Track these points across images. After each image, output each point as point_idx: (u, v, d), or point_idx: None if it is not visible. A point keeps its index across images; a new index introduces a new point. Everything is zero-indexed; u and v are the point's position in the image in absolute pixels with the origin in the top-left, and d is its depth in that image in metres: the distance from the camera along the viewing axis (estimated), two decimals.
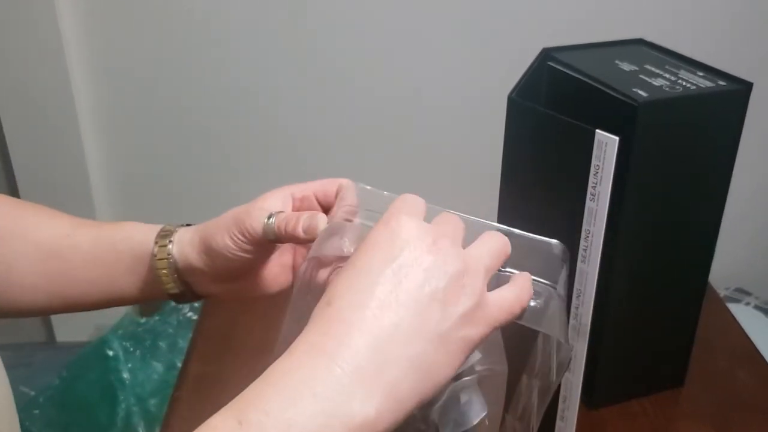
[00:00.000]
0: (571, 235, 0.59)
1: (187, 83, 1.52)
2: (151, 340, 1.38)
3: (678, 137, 0.66)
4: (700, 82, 0.66)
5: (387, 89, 1.53)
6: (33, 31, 1.42)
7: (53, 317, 1.70)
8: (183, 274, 0.53)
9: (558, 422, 0.67)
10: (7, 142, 1.52)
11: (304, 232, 0.48)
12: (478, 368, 0.52)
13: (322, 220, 0.48)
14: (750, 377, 0.84)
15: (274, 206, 0.51)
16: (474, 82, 1.52)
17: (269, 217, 0.49)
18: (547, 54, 0.72)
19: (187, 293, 0.55)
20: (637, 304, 0.74)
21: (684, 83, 0.66)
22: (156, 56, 1.49)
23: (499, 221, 0.69)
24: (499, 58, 1.44)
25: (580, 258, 0.59)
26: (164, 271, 0.53)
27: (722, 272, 0.95)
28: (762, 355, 0.87)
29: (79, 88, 1.52)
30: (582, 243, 0.59)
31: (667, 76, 0.67)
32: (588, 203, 0.57)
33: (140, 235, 0.54)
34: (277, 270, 0.56)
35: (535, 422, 0.51)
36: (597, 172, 0.56)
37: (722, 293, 1.65)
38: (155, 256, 0.53)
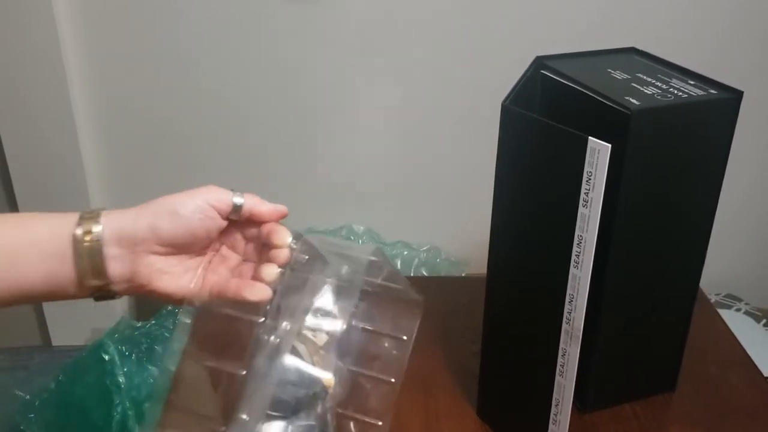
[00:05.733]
0: (563, 240, 0.60)
1: (184, 87, 1.52)
2: (147, 343, 1.38)
3: (669, 145, 0.66)
4: (691, 90, 0.67)
5: (381, 95, 1.54)
6: (30, 35, 1.43)
7: (49, 321, 1.70)
8: (108, 245, 0.52)
9: (550, 426, 0.67)
10: (4, 147, 1.53)
11: (269, 214, 0.57)
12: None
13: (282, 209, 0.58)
14: (740, 382, 0.84)
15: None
16: (468, 89, 1.52)
17: (236, 195, 0.57)
18: (540, 62, 0.73)
19: (99, 286, 0.53)
20: (629, 309, 0.74)
21: (675, 92, 0.66)
22: (154, 61, 1.50)
23: (493, 227, 0.70)
24: (492, 66, 1.45)
25: (572, 263, 0.60)
26: (86, 243, 0.51)
27: (713, 278, 0.96)
28: (752, 359, 0.88)
29: (76, 92, 1.52)
30: (575, 249, 0.59)
31: (659, 84, 0.68)
32: (580, 209, 0.58)
33: (59, 218, 0.53)
34: (190, 275, 0.58)
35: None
36: (589, 179, 0.57)
37: (713, 299, 1.66)
38: (81, 234, 0.52)
